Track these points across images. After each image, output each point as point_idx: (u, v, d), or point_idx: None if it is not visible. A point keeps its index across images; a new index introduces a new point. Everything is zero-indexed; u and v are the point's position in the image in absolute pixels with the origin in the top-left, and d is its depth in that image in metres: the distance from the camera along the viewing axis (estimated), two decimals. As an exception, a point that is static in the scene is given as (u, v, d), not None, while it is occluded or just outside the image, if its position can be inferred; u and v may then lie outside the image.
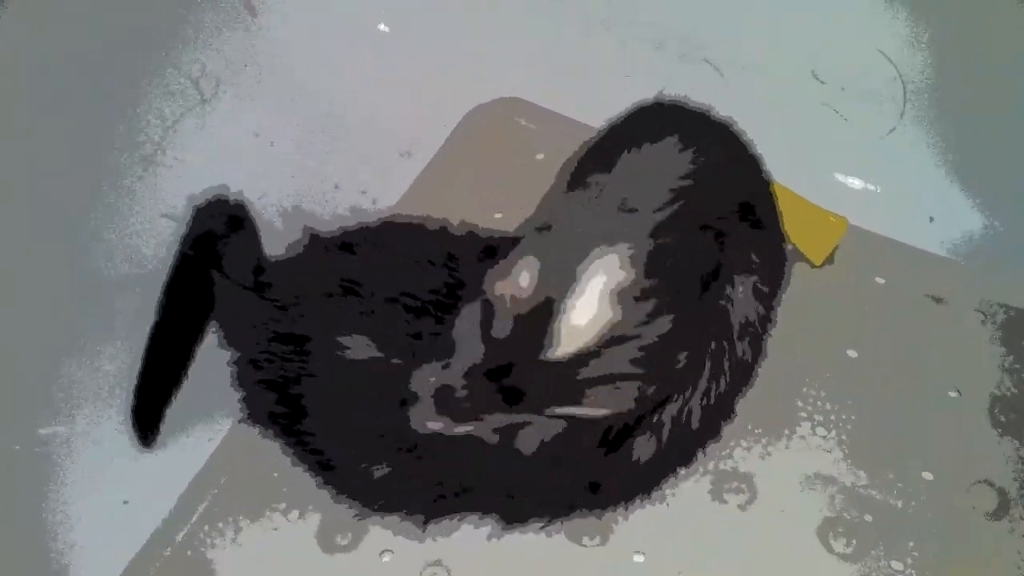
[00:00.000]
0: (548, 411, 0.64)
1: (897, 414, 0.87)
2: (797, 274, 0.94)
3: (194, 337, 0.80)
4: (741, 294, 0.73)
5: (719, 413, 0.75)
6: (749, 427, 0.85)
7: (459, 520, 0.78)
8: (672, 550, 0.80)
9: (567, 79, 1.02)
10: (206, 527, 0.81)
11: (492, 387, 0.63)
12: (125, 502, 0.79)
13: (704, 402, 0.72)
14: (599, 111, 0.79)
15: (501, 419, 0.65)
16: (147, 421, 0.79)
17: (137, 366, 0.79)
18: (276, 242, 0.82)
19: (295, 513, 0.81)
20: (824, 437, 0.86)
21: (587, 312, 0.63)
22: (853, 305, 0.93)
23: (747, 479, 0.83)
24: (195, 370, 0.80)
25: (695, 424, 0.73)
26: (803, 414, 0.87)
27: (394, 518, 0.77)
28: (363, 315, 0.72)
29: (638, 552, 0.80)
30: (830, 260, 0.95)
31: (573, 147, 0.81)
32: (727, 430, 0.78)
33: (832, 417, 0.87)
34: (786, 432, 0.86)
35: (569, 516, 0.77)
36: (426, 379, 0.65)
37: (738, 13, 0.88)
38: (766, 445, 0.85)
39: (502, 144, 1.05)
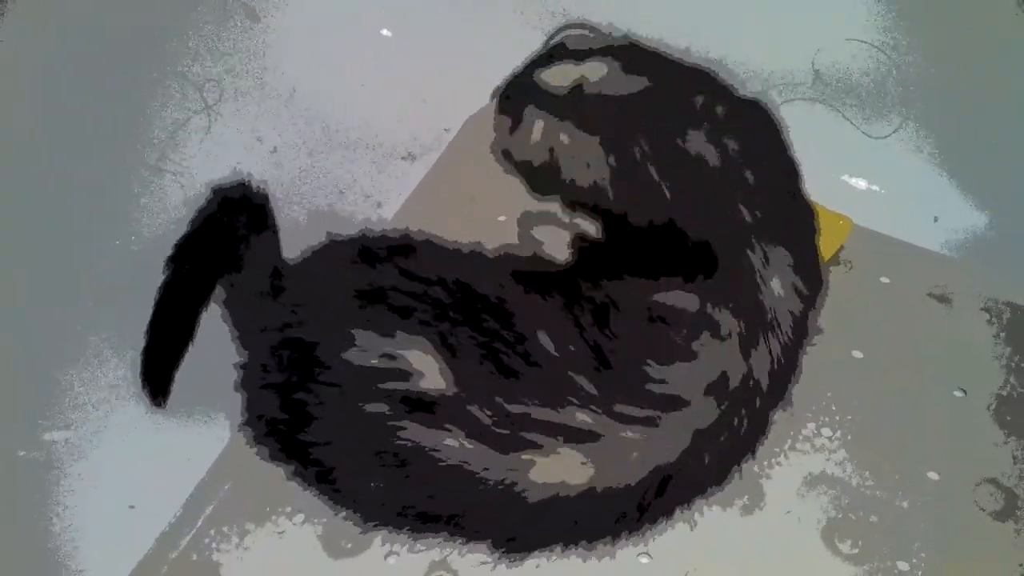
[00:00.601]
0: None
1: (902, 414, 0.87)
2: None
3: (202, 299, 0.80)
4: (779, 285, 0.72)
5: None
6: (754, 428, 0.85)
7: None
8: (678, 552, 0.79)
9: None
10: (212, 531, 0.81)
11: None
12: (131, 506, 0.80)
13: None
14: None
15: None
16: (157, 381, 0.79)
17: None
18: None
19: (300, 517, 0.81)
20: (829, 438, 0.85)
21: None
22: (858, 305, 0.93)
23: (752, 480, 0.83)
24: (201, 373, 0.80)
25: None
26: (808, 414, 0.87)
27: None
28: (376, 324, 0.71)
29: (644, 554, 0.80)
30: (835, 260, 0.95)
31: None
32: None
33: (837, 417, 0.87)
34: (791, 433, 0.86)
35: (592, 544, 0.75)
36: None
37: (740, 14, 0.88)
38: (771, 446, 0.85)
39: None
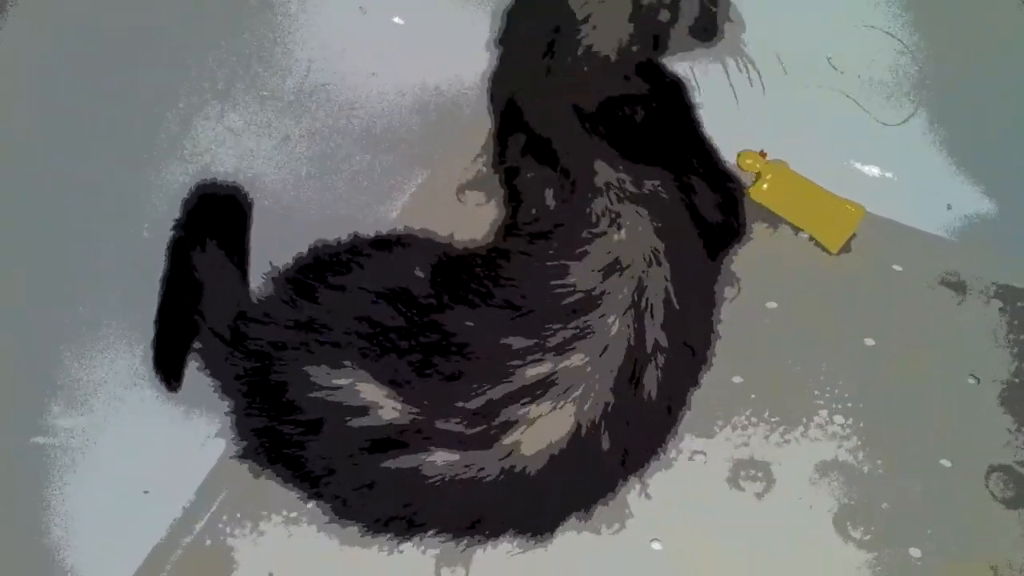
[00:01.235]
0: None
1: (915, 401, 0.87)
2: (814, 263, 0.95)
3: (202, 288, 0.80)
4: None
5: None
6: (766, 415, 0.86)
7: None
8: (690, 538, 0.80)
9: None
10: (225, 517, 0.82)
11: None
12: (145, 492, 0.80)
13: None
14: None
15: None
16: (170, 367, 0.79)
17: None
18: (279, 246, 0.82)
19: (313, 503, 0.81)
20: (841, 425, 0.85)
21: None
22: (870, 293, 0.93)
23: (764, 467, 0.83)
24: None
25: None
26: (820, 402, 0.87)
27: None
28: (321, 357, 0.71)
29: (656, 540, 0.80)
30: (847, 248, 0.95)
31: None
32: (742, 419, 0.78)
33: (849, 405, 0.87)
34: (803, 420, 0.86)
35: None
36: None
37: (754, 2, 0.88)
38: (783, 433, 0.85)
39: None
